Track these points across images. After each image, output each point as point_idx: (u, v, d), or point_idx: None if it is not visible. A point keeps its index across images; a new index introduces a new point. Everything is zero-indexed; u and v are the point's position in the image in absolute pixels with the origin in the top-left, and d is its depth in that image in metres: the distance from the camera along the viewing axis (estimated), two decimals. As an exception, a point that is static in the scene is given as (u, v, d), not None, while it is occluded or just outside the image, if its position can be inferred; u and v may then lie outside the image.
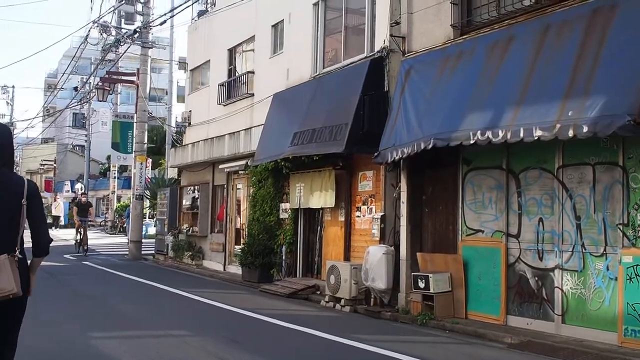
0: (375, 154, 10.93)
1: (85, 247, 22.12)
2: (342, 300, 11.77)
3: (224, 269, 18.32)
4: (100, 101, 25.30)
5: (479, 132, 8.56)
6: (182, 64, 25.68)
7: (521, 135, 8.04)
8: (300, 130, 13.25)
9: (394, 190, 11.91)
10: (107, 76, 24.63)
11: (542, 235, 9.08)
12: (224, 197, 19.15)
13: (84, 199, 23.13)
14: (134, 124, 24.37)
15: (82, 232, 22.08)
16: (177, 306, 11.61)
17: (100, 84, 24.47)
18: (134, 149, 24.17)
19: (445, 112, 9.45)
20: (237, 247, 17.98)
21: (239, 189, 18.19)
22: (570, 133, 7.40)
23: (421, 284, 10.39)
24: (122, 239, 32.13)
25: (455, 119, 9.14)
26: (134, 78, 24.01)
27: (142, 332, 9.00)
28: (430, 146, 9.34)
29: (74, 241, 22.97)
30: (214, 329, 9.26)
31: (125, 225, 32.70)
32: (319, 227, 14.24)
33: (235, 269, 17.54)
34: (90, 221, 23.74)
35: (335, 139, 12.04)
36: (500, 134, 8.27)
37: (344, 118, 12.02)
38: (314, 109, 13.29)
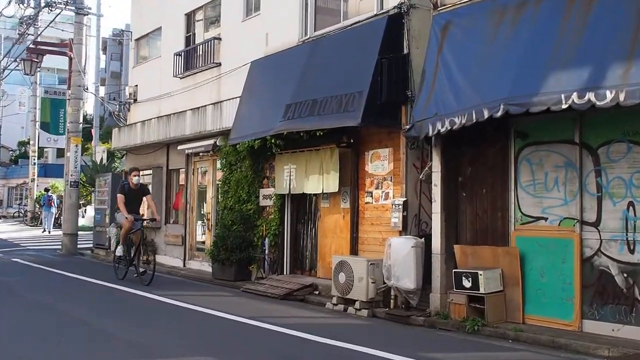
0: (407, 126, 9.08)
1: (152, 266, 12.49)
2: (357, 303, 9.86)
3: (184, 265, 16.04)
4: (27, 75, 22.21)
5: (574, 94, 6.81)
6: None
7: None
8: (295, 102, 11.20)
9: (416, 171, 10.10)
10: (34, 46, 21.61)
11: (634, 223, 7.47)
12: (182, 183, 16.82)
13: (135, 179, 13.01)
14: (67, 101, 21.49)
15: (137, 242, 12.63)
16: (166, 318, 9.34)
17: (26, 55, 21.42)
18: (67, 130, 21.30)
19: (514, 72, 7.66)
20: (201, 239, 15.75)
21: (204, 172, 15.90)
22: None
23: (467, 283, 8.62)
24: (48, 233, 29.09)
25: (532, 80, 7.36)
26: (65, 49, 21.14)
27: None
28: (499, 113, 7.53)
29: (116, 256, 13.38)
30: (244, 351, 7.17)
31: (44, 216, 29.65)
32: (312, 217, 12.25)
33: (199, 265, 15.34)
34: (154, 220, 13.21)
35: (346, 110, 10.08)
36: (609, 95, 6.56)
37: (357, 85, 10.07)
38: (311, 77, 11.26)
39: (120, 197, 12.79)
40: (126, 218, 12.53)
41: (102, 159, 24.26)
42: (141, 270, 12.63)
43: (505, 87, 7.63)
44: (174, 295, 11.01)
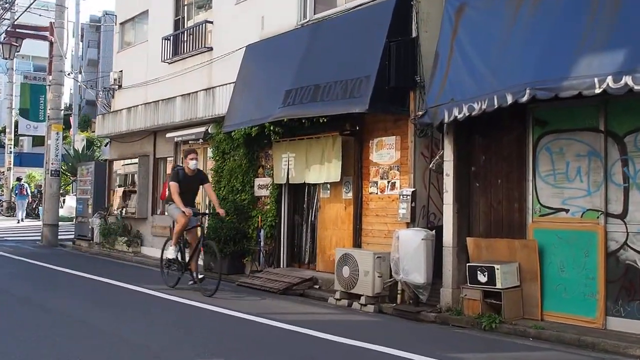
0: (420, 112, 8.61)
1: (198, 273, 10.72)
2: (363, 298, 9.42)
3: (173, 257, 15.42)
4: (6, 59, 21.36)
5: (609, 78, 6.39)
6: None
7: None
8: (296, 88, 10.69)
9: (424, 160, 9.66)
10: (13, 29, 20.78)
11: (664, 216, 7.10)
12: (170, 172, 16.20)
13: (192, 164, 10.54)
14: (47, 87, 20.71)
15: (194, 242, 10.57)
16: (165, 312, 8.83)
17: (5, 38, 20.59)
18: (47, 116, 20.53)
19: (538, 55, 7.22)
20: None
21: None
22: None
23: (482, 278, 8.22)
24: (25, 223, 28.30)
25: (560, 64, 6.93)
26: (46, 33, 20.35)
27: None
28: (524, 98, 7.09)
29: (166, 258, 10.82)
30: (259, 352, 6.68)
31: (17, 206, 28.83)
32: (311, 208, 11.77)
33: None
34: (217, 215, 10.97)
35: (352, 96, 9.60)
36: (650, 79, 6.15)
37: (364, 70, 9.60)
38: (312, 62, 10.75)
39: (174, 186, 10.24)
40: (183, 212, 10.06)
41: (83, 147, 23.47)
42: (200, 276, 10.61)
43: (529, 71, 7.19)
44: (172, 291, 10.47)
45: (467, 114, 7.86)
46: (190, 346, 6.65)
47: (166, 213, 11.23)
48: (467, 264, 8.46)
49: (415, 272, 8.98)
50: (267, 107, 11.20)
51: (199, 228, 10.66)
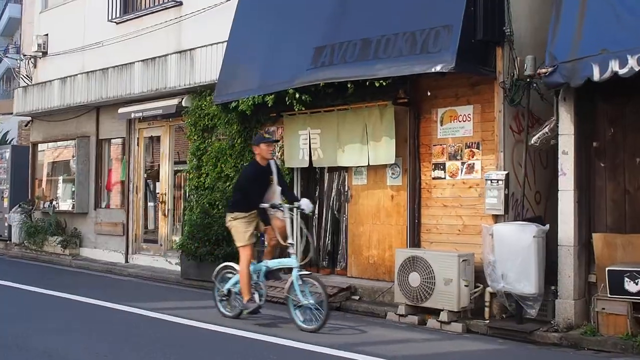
0: (550, 68, 6.46)
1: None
2: (444, 314, 7.24)
3: (127, 261, 12.60)
4: None
5: None
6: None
7: None
8: (331, 44, 8.28)
9: (512, 135, 7.59)
10: None
11: None
12: (118, 156, 13.30)
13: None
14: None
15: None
16: (199, 346, 6.23)
17: None
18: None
19: None
20: (152, 227, 12.42)
21: (155, 139, 12.52)
22: None
23: (631, 286, 6.26)
24: None
25: None
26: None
27: None
28: None
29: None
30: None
31: None
32: (335, 198, 9.43)
33: (150, 261, 12.09)
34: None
35: (426, 52, 7.35)
36: None
37: (441, 17, 7.37)
38: (355, 9, 8.38)
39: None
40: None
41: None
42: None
43: None
44: (166, 309, 7.89)
45: (636, 70, 5.81)
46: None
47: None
48: (608, 269, 6.46)
49: (523, 280, 6.90)
50: (287, 70, 8.72)
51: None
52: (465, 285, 7.27)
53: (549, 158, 7.99)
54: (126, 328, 7.05)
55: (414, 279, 7.49)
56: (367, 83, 7.83)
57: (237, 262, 7.51)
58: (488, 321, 7.22)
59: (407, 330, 7.21)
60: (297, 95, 8.56)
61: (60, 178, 14.58)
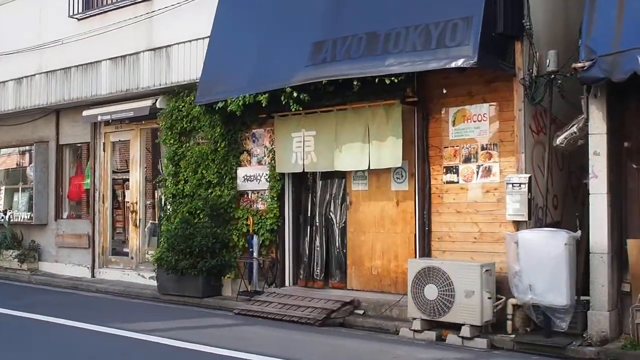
0: (588, 62, 5.98)
1: None
2: (465, 329, 6.69)
3: (94, 275, 11.65)
4: None
5: None
6: None
7: None
8: (333, 38, 7.66)
9: (532, 136, 7.12)
10: None
11: None
12: (81, 163, 12.34)
13: None
14: None
15: None
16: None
17: None
18: None
19: None
20: (123, 239, 11.52)
21: (121, 144, 11.62)
22: None
23: (676, 296, 5.83)
24: None
25: None
26: None
27: None
28: None
29: None
30: None
31: None
32: (331, 204, 8.79)
33: (120, 275, 11.23)
34: None
35: (442, 46, 6.81)
36: None
37: (459, 9, 6.85)
38: (355, 1, 7.79)
39: None
40: None
41: None
42: None
43: None
44: (155, 330, 7.10)
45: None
46: None
47: None
48: (651, 278, 6.02)
49: (553, 291, 6.41)
50: (282, 67, 8.06)
51: None
52: (489, 298, 6.74)
53: (565, 160, 7.59)
54: (111, 353, 6.25)
55: (431, 291, 6.92)
56: (377, 80, 7.23)
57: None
58: (513, 335, 6.71)
59: (430, 348, 6.63)
60: (295, 94, 7.89)
61: (17, 187, 13.46)
